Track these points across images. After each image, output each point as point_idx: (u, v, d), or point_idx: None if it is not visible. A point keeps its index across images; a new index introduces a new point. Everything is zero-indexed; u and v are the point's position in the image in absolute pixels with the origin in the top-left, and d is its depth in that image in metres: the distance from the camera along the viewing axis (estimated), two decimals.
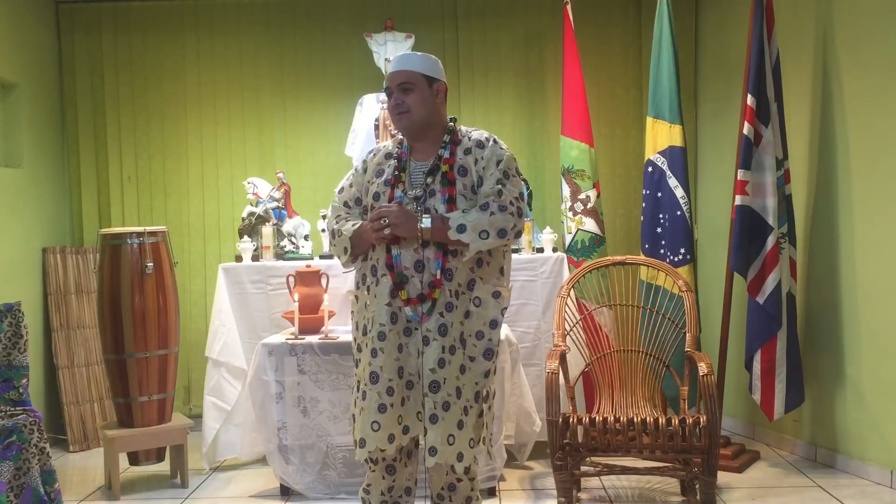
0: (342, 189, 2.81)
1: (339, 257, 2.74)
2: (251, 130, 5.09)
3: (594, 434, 3.30)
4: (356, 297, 2.75)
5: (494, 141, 2.68)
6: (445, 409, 2.57)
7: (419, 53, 2.70)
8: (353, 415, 2.72)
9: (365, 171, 2.76)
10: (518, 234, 2.63)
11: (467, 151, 2.65)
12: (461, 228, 2.52)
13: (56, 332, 4.69)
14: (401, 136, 2.75)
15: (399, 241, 2.57)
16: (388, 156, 2.73)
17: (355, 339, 2.75)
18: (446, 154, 2.64)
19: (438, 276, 2.56)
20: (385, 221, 2.53)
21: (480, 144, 2.66)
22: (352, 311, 2.79)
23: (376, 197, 2.66)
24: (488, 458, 2.90)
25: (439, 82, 2.67)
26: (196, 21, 5.06)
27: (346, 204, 2.78)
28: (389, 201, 2.62)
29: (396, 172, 2.66)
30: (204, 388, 4.18)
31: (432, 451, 2.57)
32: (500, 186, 2.59)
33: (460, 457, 2.59)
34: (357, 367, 2.73)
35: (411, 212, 2.56)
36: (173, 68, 5.07)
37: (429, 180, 2.62)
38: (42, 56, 4.89)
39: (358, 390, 2.69)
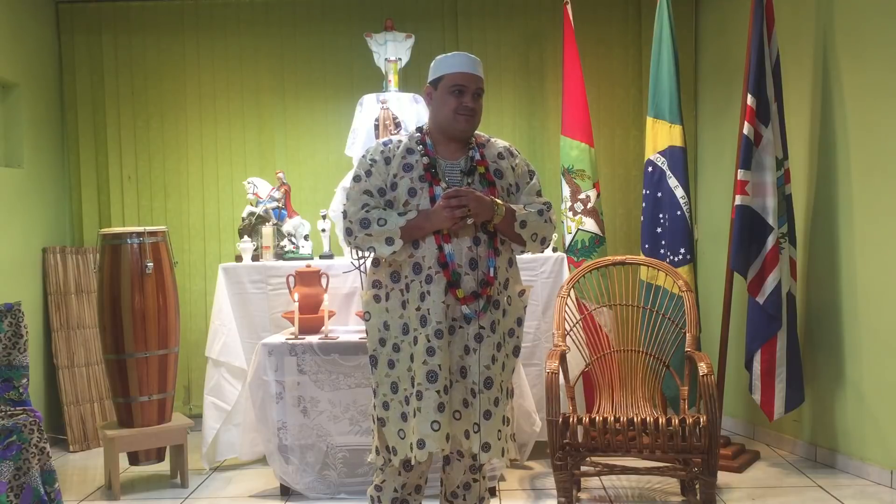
0: (359, 178, 2.67)
1: (370, 247, 2.60)
2: (251, 130, 5.09)
3: (594, 434, 3.30)
4: (375, 296, 2.69)
5: (518, 151, 2.83)
6: (496, 405, 2.61)
7: (480, 61, 2.72)
8: (381, 418, 2.66)
9: (387, 161, 2.67)
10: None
11: (500, 156, 2.74)
12: (523, 224, 2.65)
13: (56, 332, 4.69)
14: (418, 133, 2.73)
15: (450, 238, 2.58)
16: (410, 151, 2.68)
17: (382, 340, 2.67)
18: (477, 156, 2.69)
19: (491, 275, 2.62)
20: (467, 208, 2.52)
21: (511, 153, 2.78)
22: (366, 312, 2.71)
23: (412, 192, 2.61)
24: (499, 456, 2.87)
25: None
26: (196, 21, 5.06)
27: (367, 192, 2.64)
28: (432, 200, 2.59)
29: (433, 170, 2.64)
30: (204, 388, 4.18)
31: (486, 447, 2.58)
32: (545, 199, 2.77)
33: (503, 452, 2.64)
34: (382, 368, 2.66)
35: (484, 196, 2.57)
36: (173, 68, 5.07)
37: (468, 180, 2.65)
38: (42, 56, 4.89)
39: (394, 392, 2.63)
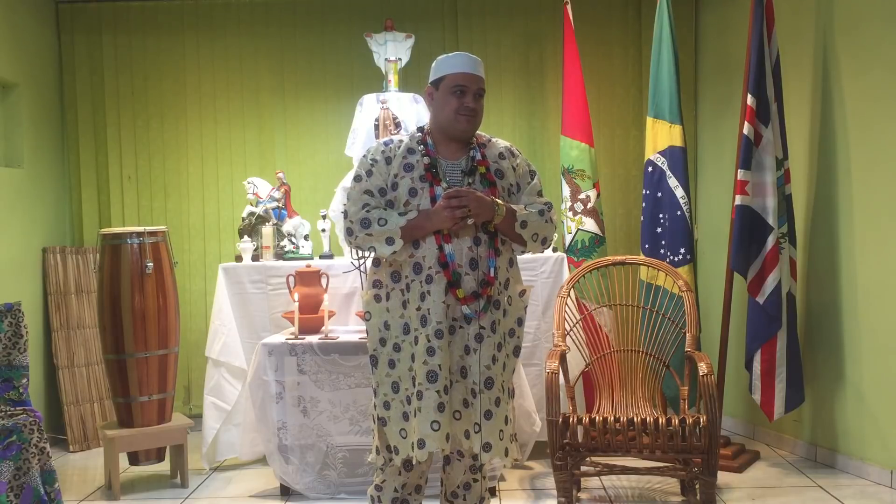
0: (360, 178, 2.67)
1: (371, 247, 2.60)
2: (251, 130, 5.09)
3: (594, 434, 3.30)
4: (376, 296, 2.70)
5: (518, 151, 2.83)
6: (497, 405, 2.61)
7: (481, 61, 2.72)
8: (382, 418, 2.66)
9: (387, 161, 2.67)
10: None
11: (501, 156, 2.74)
12: (524, 224, 2.64)
13: (56, 332, 4.69)
14: (419, 133, 2.73)
15: (451, 238, 2.58)
16: (411, 151, 2.68)
17: (383, 340, 2.67)
18: (478, 156, 2.69)
19: (491, 275, 2.62)
20: (468, 208, 2.52)
21: (512, 153, 2.79)
22: (367, 312, 2.71)
23: (413, 192, 2.61)
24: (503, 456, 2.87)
25: None
26: (196, 21, 5.06)
27: (367, 192, 2.64)
28: (432, 199, 2.59)
29: (434, 170, 2.64)
30: (204, 388, 4.18)
31: (487, 447, 2.58)
32: (546, 200, 2.76)
33: (507, 452, 2.65)
34: (383, 367, 2.66)
35: (485, 196, 2.57)
36: (173, 68, 5.07)
37: (469, 180, 2.65)
38: (42, 56, 4.89)
39: (395, 392, 2.63)
